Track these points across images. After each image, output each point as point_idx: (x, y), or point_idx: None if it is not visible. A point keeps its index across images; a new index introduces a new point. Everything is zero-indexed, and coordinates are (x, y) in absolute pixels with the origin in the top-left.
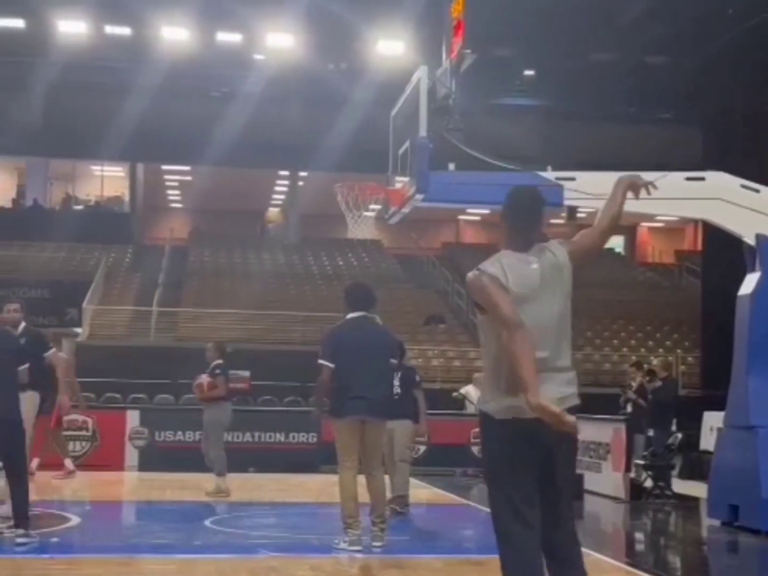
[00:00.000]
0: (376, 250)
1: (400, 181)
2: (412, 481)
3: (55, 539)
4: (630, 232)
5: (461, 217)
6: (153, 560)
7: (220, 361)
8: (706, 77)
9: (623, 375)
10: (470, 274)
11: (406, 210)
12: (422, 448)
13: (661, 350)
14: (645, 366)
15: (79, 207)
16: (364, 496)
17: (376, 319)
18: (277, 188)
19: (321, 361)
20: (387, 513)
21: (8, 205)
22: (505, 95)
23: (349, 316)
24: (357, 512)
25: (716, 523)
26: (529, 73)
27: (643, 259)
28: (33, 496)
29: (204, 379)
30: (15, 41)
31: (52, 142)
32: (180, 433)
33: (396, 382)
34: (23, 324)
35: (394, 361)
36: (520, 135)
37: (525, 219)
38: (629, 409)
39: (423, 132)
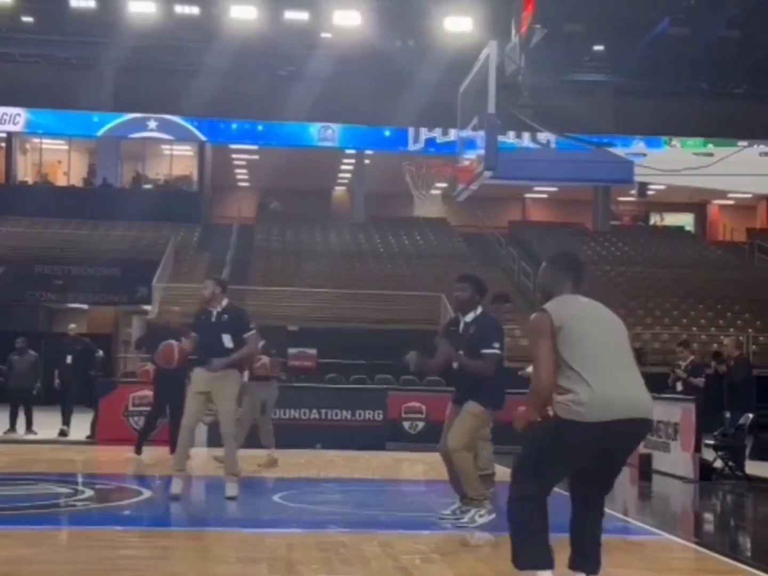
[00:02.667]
0: (442, 228)
1: (468, 159)
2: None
3: (126, 512)
4: (700, 209)
5: (528, 195)
6: (222, 534)
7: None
8: None
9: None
10: (534, 314)
11: (474, 187)
12: None
13: (731, 329)
14: (715, 345)
15: (149, 186)
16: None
17: None
18: (344, 167)
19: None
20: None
21: (79, 184)
22: (575, 71)
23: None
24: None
25: None
26: (599, 48)
27: (713, 237)
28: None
29: (266, 359)
30: (86, 22)
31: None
32: None
33: None
34: (225, 300)
35: None
36: (589, 111)
37: (572, 274)
38: (679, 388)
39: (492, 109)
